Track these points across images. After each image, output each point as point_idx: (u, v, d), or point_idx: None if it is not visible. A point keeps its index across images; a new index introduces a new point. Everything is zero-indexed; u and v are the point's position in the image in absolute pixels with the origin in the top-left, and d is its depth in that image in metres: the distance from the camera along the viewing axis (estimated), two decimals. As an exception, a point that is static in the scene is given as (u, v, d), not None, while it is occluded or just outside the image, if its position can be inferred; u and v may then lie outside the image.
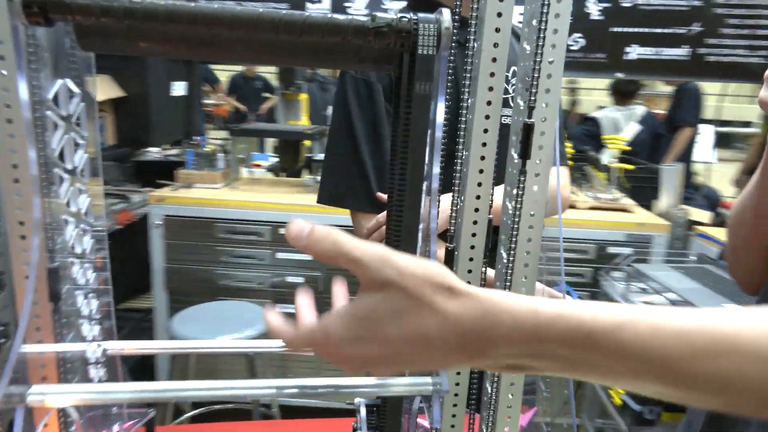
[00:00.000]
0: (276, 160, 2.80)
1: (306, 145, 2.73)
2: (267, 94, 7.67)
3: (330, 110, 1.22)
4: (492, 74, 0.55)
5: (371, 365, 0.38)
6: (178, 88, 2.41)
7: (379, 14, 0.47)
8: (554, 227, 0.65)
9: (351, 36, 0.47)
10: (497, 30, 0.54)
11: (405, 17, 0.47)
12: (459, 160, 0.58)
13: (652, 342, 0.33)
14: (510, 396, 0.62)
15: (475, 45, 0.54)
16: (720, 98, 5.24)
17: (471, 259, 0.60)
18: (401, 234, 0.52)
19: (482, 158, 0.58)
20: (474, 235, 0.60)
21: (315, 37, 0.47)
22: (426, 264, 0.37)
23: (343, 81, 1.00)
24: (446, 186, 0.54)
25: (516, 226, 0.56)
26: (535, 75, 0.51)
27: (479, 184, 0.59)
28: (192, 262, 2.38)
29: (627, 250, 2.24)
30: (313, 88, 3.44)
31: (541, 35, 0.50)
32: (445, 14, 0.46)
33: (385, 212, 1.03)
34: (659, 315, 0.34)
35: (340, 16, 0.46)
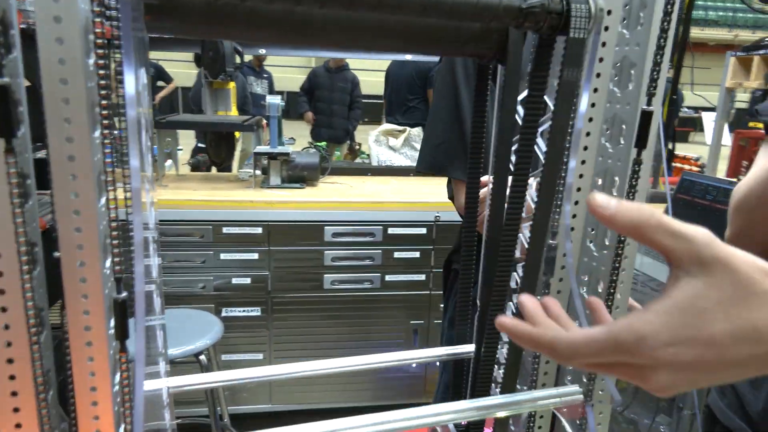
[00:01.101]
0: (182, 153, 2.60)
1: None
2: (161, 83, 7.16)
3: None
4: (599, 71, 0.52)
5: (687, 374, 0.32)
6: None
7: (526, -7, 0.42)
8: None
9: (500, 15, 0.42)
10: (605, 29, 0.52)
11: (555, -3, 0.42)
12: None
13: None
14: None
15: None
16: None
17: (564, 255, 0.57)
18: (535, 232, 0.48)
19: (585, 148, 0.55)
20: (572, 229, 0.57)
21: (459, 17, 0.42)
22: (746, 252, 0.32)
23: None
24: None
25: (627, 217, 0.54)
26: (658, 59, 0.49)
27: (581, 176, 0.56)
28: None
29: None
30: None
31: (667, 18, 0.48)
32: (596, -6, 0.43)
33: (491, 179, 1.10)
34: None
35: (489, -5, 0.41)
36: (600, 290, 0.59)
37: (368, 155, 3.42)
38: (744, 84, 1.99)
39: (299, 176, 2.42)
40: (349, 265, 2.29)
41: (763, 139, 0.86)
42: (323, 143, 3.44)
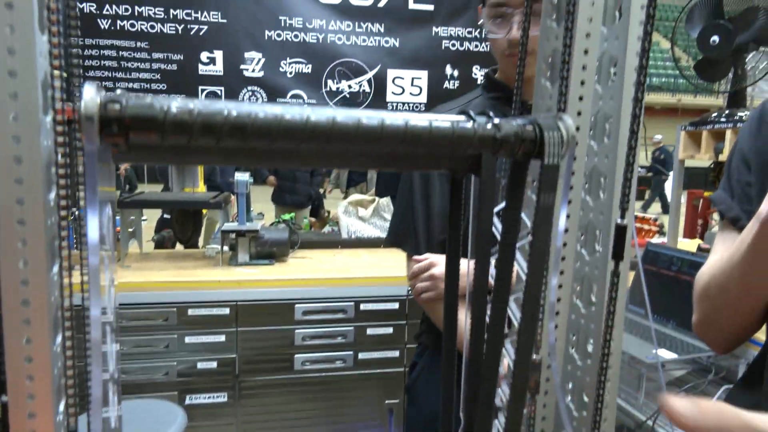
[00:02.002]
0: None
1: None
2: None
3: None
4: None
5: None
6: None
7: (501, 122, 0.42)
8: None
9: (475, 145, 0.42)
10: (575, 143, 0.53)
11: (528, 124, 0.43)
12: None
13: None
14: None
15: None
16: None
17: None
18: (520, 354, 0.46)
19: (563, 258, 0.55)
20: (555, 339, 0.56)
21: (436, 149, 0.42)
22: None
23: None
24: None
25: (609, 329, 0.53)
26: (628, 175, 0.50)
27: (560, 286, 0.56)
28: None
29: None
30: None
31: (634, 137, 0.49)
32: (567, 120, 0.44)
33: (427, 256, 1.16)
34: None
35: (465, 124, 0.42)
36: (586, 400, 0.57)
37: (337, 223, 3.42)
38: (696, 156, 2.09)
39: (268, 252, 2.38)
40: (321, 344, 2.22)
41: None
42: (291, 214, 3.42)
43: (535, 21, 1.12)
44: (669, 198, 2.55)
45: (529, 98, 1.25)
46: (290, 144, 0.37)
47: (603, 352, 0.53)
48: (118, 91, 0.36)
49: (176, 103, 0.34)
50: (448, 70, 2.73)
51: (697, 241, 3.54)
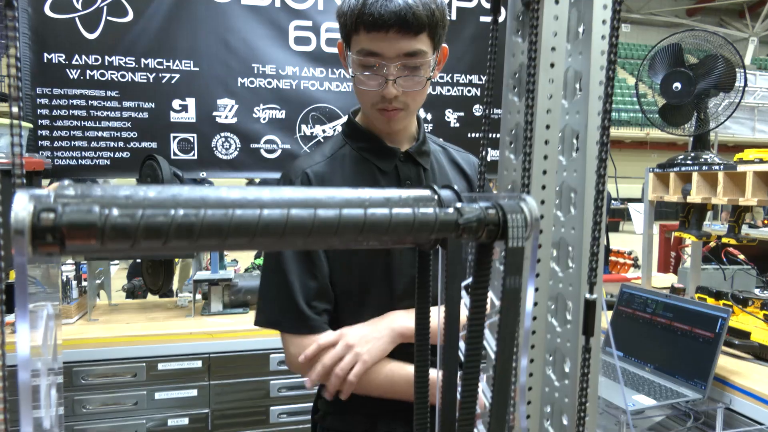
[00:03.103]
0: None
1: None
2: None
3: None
4: (539, 246, 0.52)
5: None
6: None
7: (463, 206, 0.42)
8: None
9: (438, 230, 0.41)
10: (541, 216, 0.52)
11: (491, 208, 0.42)
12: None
13: None
14: None
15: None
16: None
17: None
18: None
19: (533, 332, 0.54)
20: (528, 417, 0.54)
21: (396, 237, 0.40)
22: None
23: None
24: None
25: (583, 405, 0.52)
26: (594, 250, 0.50)
27: (531, 360, 0.54)
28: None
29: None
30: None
31: (599, 212, 0.49)
32: (530, 201, 0.43)
33: (324, 336, 0.97)
34: None
35: (426, 211, 0.41)
36: (563, 480, 0.55)
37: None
38: (665, 197, 2.13)
39: (242, 301, 2.32)
40: (297, 395, 2.15)
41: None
42: (268, 259, 3.37)
43: (408, 75, 0.99)
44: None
45: (399, 146, 1.08)
46: (242, 240, 0.36)
47: (577, 430, 0.52)
48: (66, 182, 0.34)
49: (117, 208, 0.32)
50: (421, 113, 2.76)
51: (671, 277, 3.58)
